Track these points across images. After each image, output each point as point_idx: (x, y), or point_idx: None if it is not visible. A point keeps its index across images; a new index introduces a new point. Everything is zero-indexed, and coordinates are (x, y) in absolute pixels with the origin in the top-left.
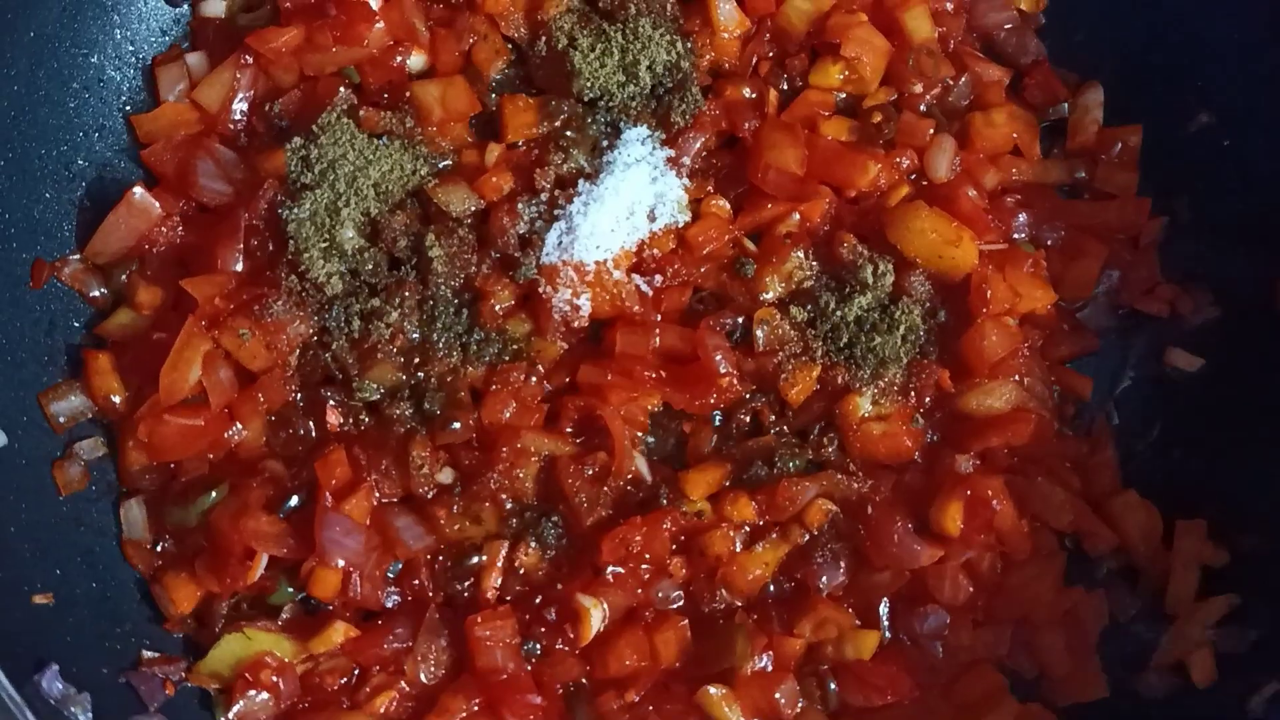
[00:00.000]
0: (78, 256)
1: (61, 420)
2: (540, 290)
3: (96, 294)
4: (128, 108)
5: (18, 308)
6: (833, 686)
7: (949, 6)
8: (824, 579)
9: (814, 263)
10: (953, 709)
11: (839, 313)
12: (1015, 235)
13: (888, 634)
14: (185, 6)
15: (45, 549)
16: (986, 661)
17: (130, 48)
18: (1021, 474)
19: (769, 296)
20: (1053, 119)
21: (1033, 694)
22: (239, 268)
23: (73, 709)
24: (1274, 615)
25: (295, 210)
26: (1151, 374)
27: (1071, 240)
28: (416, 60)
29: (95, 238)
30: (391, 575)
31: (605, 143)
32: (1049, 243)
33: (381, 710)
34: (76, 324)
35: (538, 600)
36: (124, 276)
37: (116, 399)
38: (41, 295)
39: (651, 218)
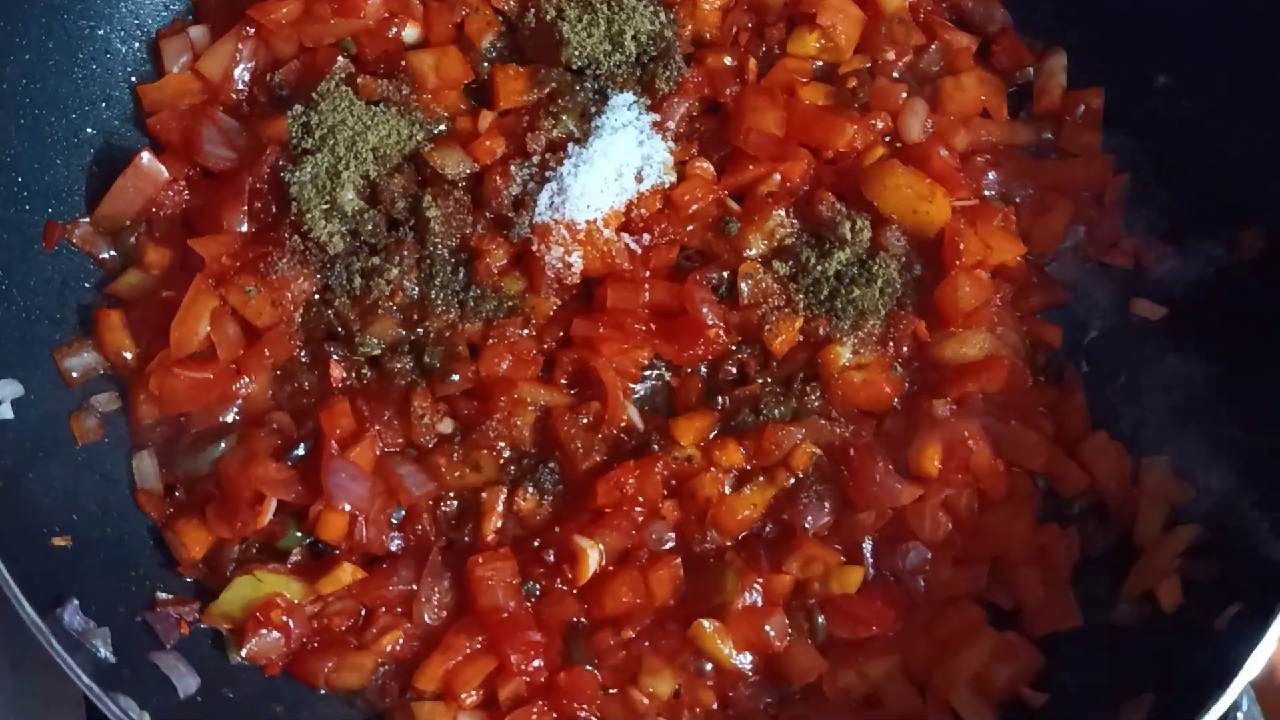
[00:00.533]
0: (87, 219)
1: (75, 375)
2: (534, 249)
3: (105, 255)
4: (133, 78)
5: (31, 268)
6: (820, 620)
7: None
8: (809, 519)
9: (795, 220)
10: (935, 640)
11: (819, 267)
12: (986, 192)
13: (871, 570)
14: None
15: (61, 496)
16: (966, 595)
17: (135, 21)
18: (996, 418)
19: (752, 253)
20: (1019, 83)
21: (1010, 625)
22: (244, 229)
23: (94, 641)
24: (1236, 544)
25: (297, 174)
26: (1118, 323)
27: (1039, 197)
28: (411, 32)
29: (104, 201)
30: (395, 521)
31: (593, 109)
32: (1018, 200)
33: (388, 649)
34: (87, 284)
35: (536, 543)
36: (132, 238)
37: (128, 355)
38: (54, 256)
39: (639, 179)
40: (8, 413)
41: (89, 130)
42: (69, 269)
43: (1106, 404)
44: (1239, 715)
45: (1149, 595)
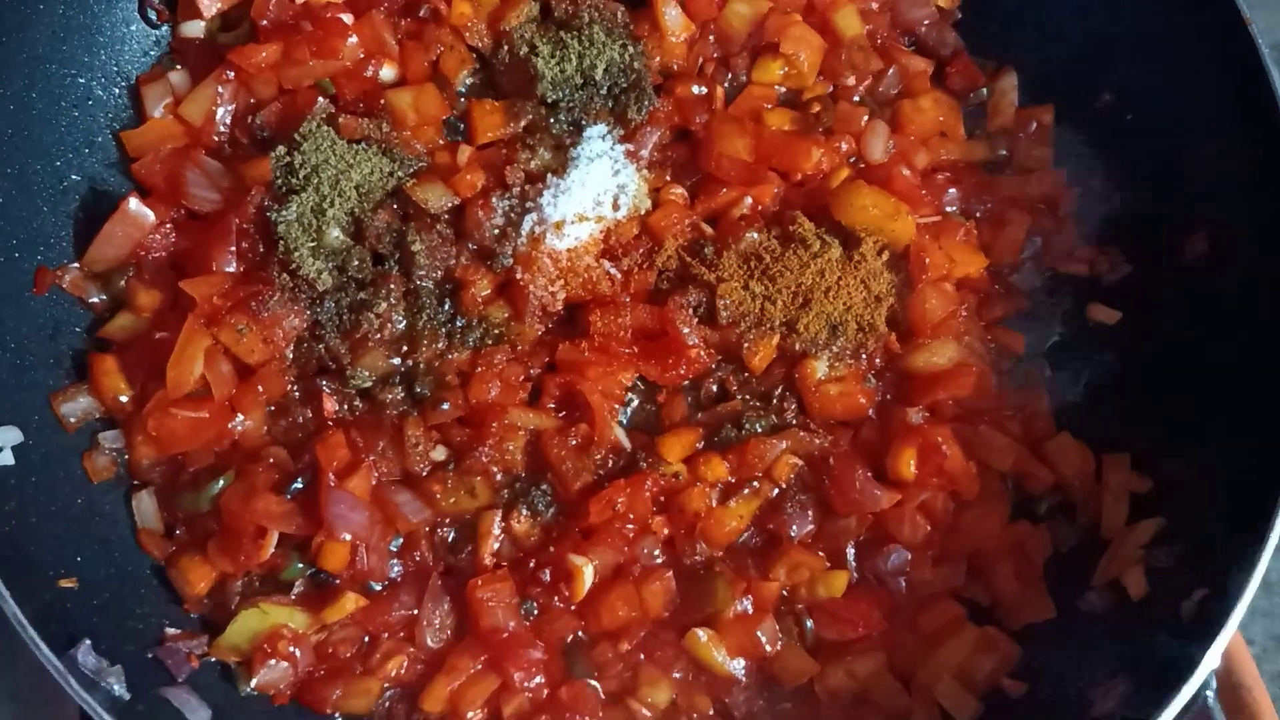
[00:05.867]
0: (77, 265)
1: (72, 420)
2: (518, 278)
3: (95, 300)
4: (115, 124)
5: (23, 314)
6: (809, 623)
7: (874, 5)
8: (794, 527)
9: (767, 241)
10: (918, 637)
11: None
12: (947, 208)
13: (855, 574)
14: (166, 28)
15: (65, 537)
16: (945, 593)
17: (115, 67)
18: (966, 423)
19: (728, 274)
20: (974, 103)
21: (988, 619)
22: (232, 269)
23: (109, 679)
24: (1197, 532)
25: (283, 213)
26: (1077, 328)
27: (998, 211)
28: (388, 72)
29: (93, 246)
30: (394, 549)
31: (568, 140)
32: (978, 214)
33: (393, 674)
34: (78, 329)
35: (532, 564)
36: (122, 282)
37: (123, 398)
38: (45, 303)
39: (615, 207)
40: (8, 459)
41: (74, 177)
42: (60, 315)
43: (1069, 405)
44: (1209, 694)
45: (1117, 585)
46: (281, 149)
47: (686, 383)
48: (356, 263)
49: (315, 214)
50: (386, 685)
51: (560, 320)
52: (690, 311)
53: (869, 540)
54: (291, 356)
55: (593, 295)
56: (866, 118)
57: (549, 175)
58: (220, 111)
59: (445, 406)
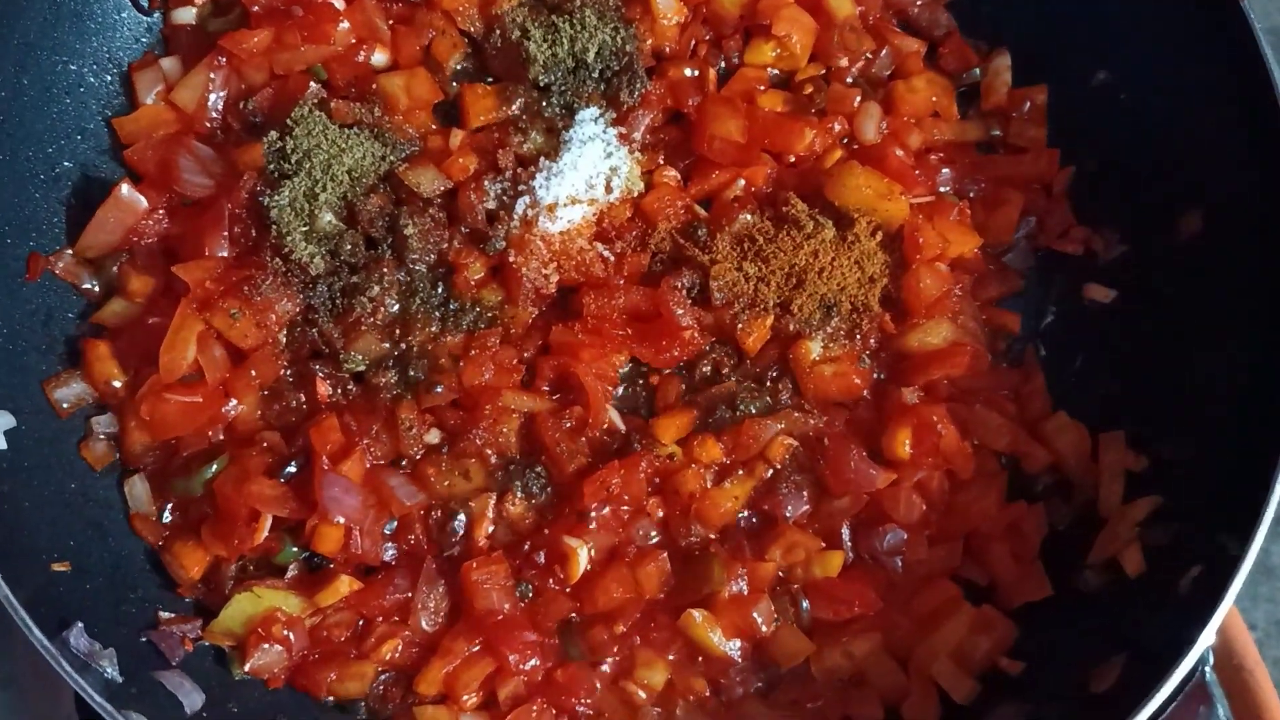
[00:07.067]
0: (70, 251)
1: (65, 406)
2: (511, 261)
3: (88, 286)
4: (107, 111)
5: (15, 301)
6: (805, 604)
7: None
8: (789, 508)
9: (761, 222)
10: (915, 617)
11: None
12: (941, 188)
13: (851, 554)
14: (157, 14)
15: (58, 522)
16: (942, 573)
17: (106, 54)
18: (962, 402)
19: (721, 255)
20: (967, 83)
21: (985, 599)
22: (225, 253)
23: (102, 662)
24: (1192, 509)
25: (275, 198)
26: (1072, 307)
27: (991, 191)
28: (380, 57)
29: (85, 233)
30: (388, 532)
31: (561, 123)
32: (971, 194)
33: (388, 657)
34: (71, 315)
35: (527, 546)
36: (115, 268)
37: (116, 384)
38: (37, 289)
39: (608, 189)
40: (1, 444)
41: (66, 163)
42: (53, 301)
43: (1065, 384)
44: (1206, 669)
45: (1113, 563)
46: (273, 134)
47: (680, 364)
48: (349, 247)
49: (307, 198)
50: (381, 669)
51: (553, 303)
52: (684, 293)
53: (864, 520)
54: (284, 341)
55: (586, 278)
56: (859, 99)
57: (541, 158)
58: (212, 97)
59: (439, 390)
